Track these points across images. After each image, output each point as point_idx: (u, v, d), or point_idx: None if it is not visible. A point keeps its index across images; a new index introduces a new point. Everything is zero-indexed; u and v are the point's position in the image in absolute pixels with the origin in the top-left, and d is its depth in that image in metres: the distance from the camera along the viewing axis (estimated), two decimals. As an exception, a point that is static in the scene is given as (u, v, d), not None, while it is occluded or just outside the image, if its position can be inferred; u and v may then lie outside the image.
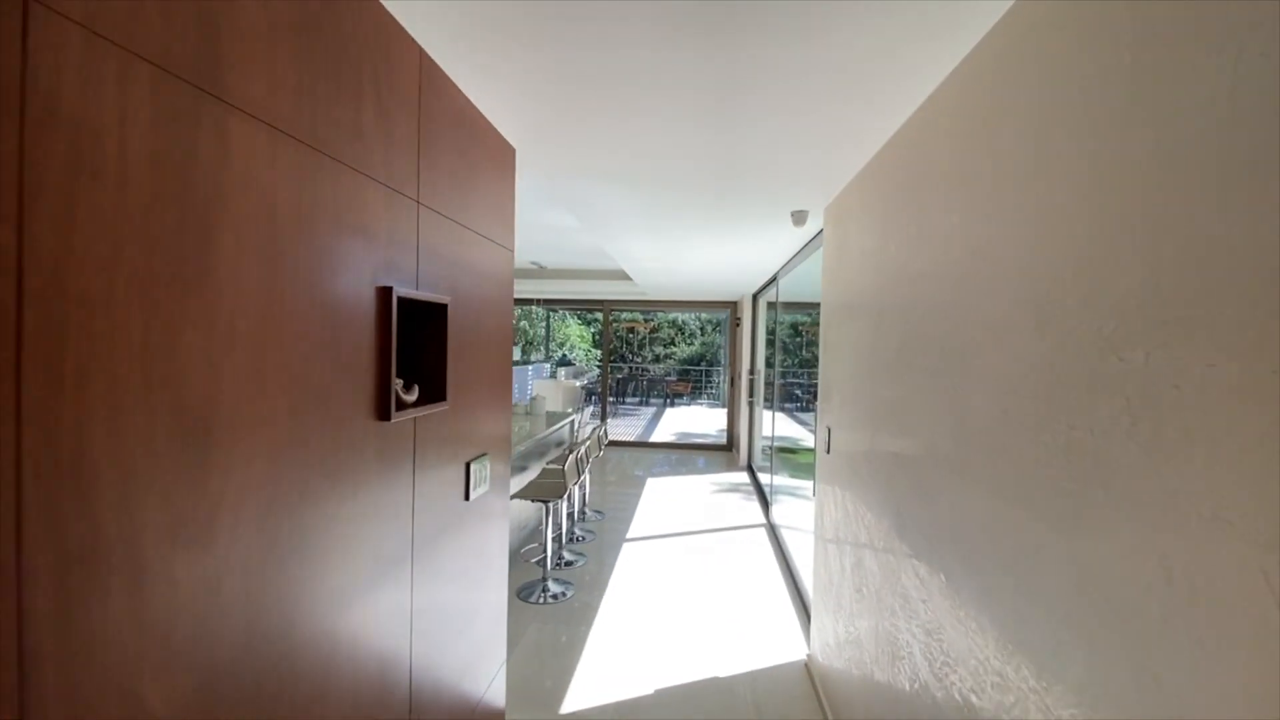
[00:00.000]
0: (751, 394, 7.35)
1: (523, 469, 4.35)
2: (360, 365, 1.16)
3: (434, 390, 1.48)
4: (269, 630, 0.92)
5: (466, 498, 1.73)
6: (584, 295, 8.53)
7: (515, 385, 12.33)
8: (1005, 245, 1.14)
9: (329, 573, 1.06)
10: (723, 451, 8.80)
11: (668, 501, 5.87)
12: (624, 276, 6.71)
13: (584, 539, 4.65)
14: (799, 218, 2.91)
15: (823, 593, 2.67)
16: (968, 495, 1.25)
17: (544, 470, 4.27)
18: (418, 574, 1.43)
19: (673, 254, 4.44)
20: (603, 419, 6.86)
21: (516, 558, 4.03)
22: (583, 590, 3.72)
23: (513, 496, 3.57)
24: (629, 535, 4.80)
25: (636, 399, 16.47)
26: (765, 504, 5.75)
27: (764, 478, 6.68)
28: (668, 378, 17.78)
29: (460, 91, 1.62)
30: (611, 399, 15.40)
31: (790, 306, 5.24)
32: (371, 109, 1.18)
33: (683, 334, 22.94)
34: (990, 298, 1.19)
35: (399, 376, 1.38)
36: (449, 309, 1.51)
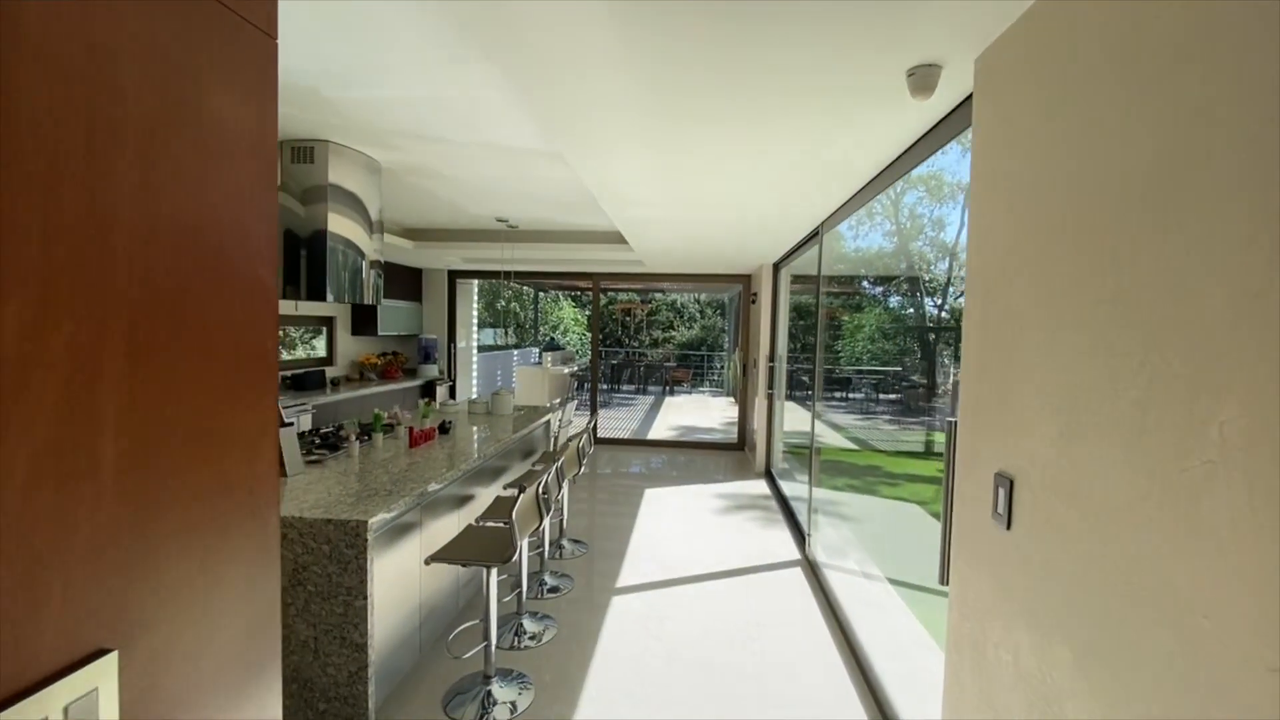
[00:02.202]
0: (771, 385, 6.05)
1: (465, 500, 3.05)
2: None
3: None
4: None
5: None
6: (569, 267, 7.17)
7: (498, 375, 11.00)
8: None
9: None
10: (733, 451, 7.53)
11: (671, 524, 4.59)
12: (616, 239, 5.37)
13: (558, 590, 3.37)
14: (924, 79, 1.58)
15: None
16: None
17: (495, 503, 2.97)
18: None
19: (686, 185, 3.09)
20: (592, 412, 5.58)
21: (439, 649, 2.74)
22: (547, 690, 2.45)
23: (429, 560, 2.28)
24: (619, 583, 3.52)
25: (633, 386, 15.19)
26: (798, 530, 4.48)
27: (789, 489, 5.41)
28: (666, 364, 16.50)
29: None
30: (605, 387, 14.15)
31: (813, 278, 3.92)
32: None
33: (681, 317, 21.63)
34: None
35: None
36: None
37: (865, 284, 19.50)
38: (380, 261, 3.43)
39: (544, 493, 2.65)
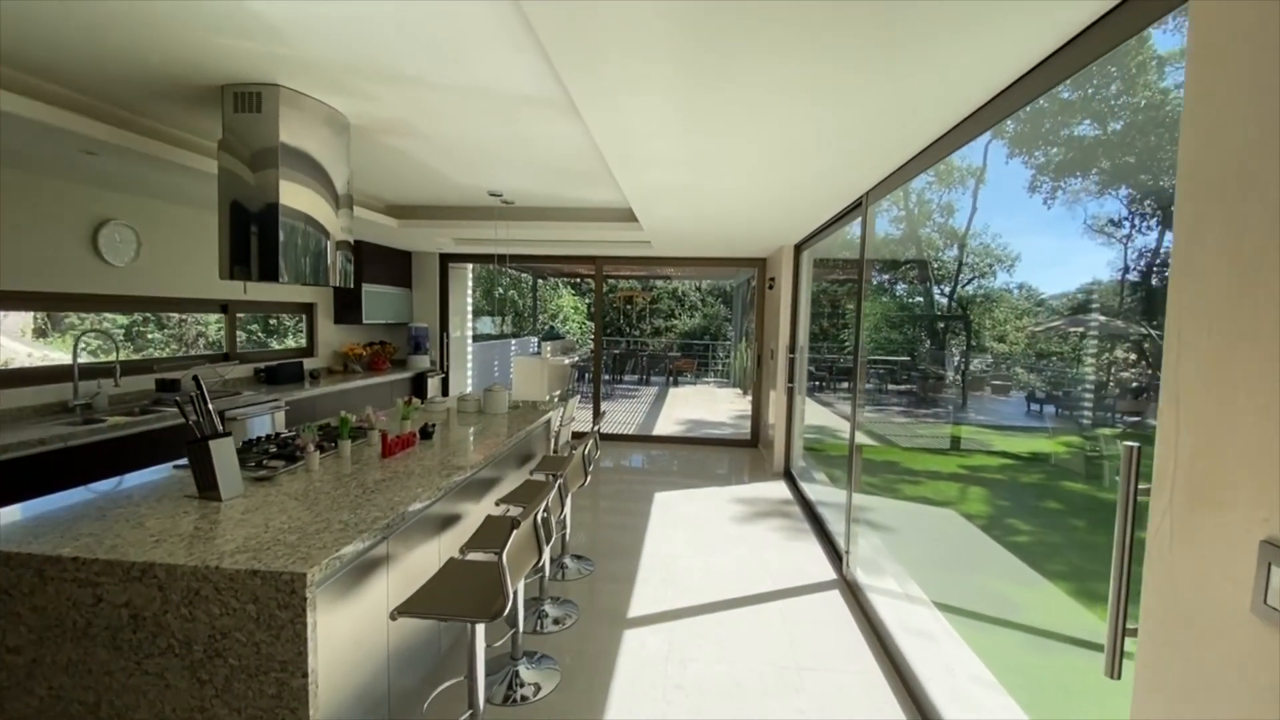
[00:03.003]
0: (791, 378, 5.55)
1: (449, 522, 2.54)
2: None
3: None
4: None
5: None
6: (570, 249, 6.63)
7: (495, 365, 10.49)
8: None
9: None
10: (747, 448, 7.04)
11: (686, 535, 4.10)
12: (622, 217, 4.84)
13: (560, 623, 2.88)
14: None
15: None
16: None
17: (485, 526, 2.46)
18: None
19: (715, 140, 2.57)
20: (595, 413, 5.06)
21: (416, 702, 2.25)
22: (548, 767, 1.96)
23: (397, 613, 1.77)
24: (632, 611, 3.03)
25: (635, 377, 14.69)
26: (829, 542, 3.99)
27: (813, 492, 4.93)
28: (669, 354, 16.01)
29: None
30: (606, 377, 13.65)
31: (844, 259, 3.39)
32: None
33: (682, 305, 21.11)
34: None
35: None
36: None
37: (873, 270, 18.95)
38: (350, 243, 2.89)
39: (545, 514, 2.14)
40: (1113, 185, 14.90)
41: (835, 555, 3.77)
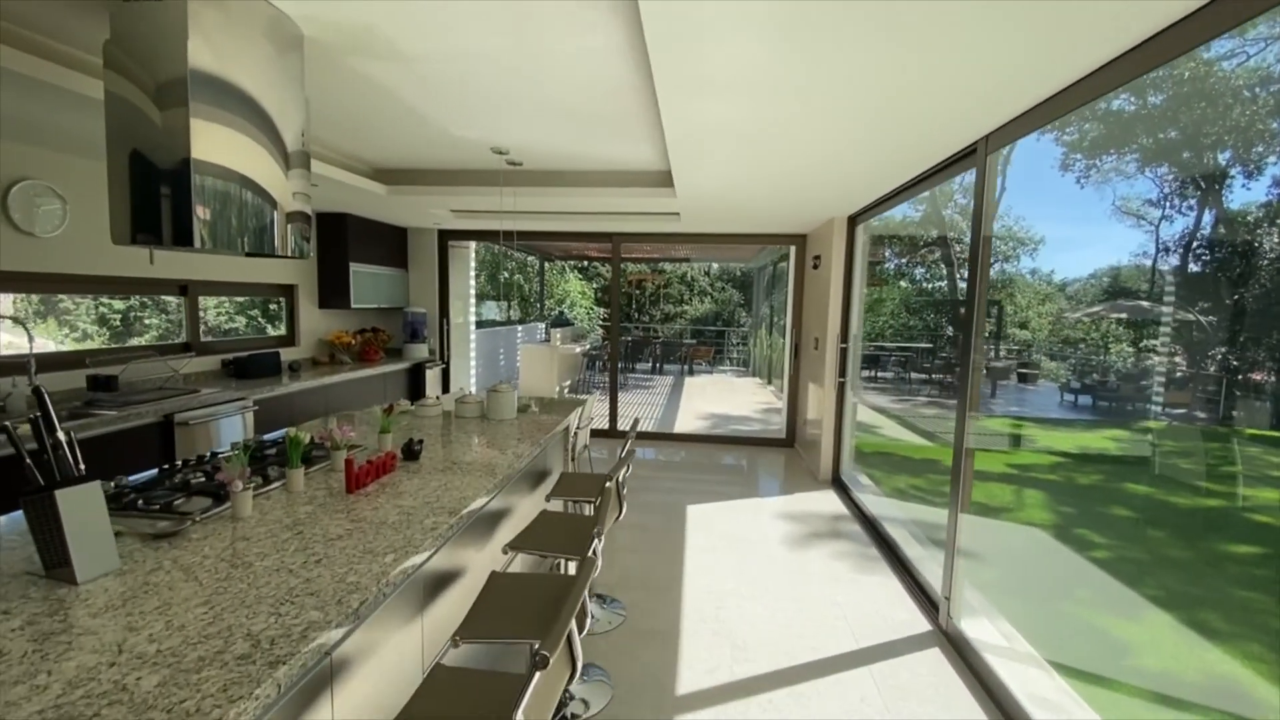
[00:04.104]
0: (843, 372, 4.80)
1: (435, 590, 1.82)
2: None
3: None
4: None
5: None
6: (584, 224, 5.85)
7: (501, 354, 9.77)
8: None
9: None
10: (781, 448, 6.31)
11: (732, 564, 3.39)
12: (652, 181, 4.08)
13: (589, 705, 2.17)
14: None
15: None
16: None
17: (489, 587, 1.74)
18: None
19: (806, 44, 1.80)
20: (612, 416, 4.32)
21: None
22: None
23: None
24: (681, 685, 2.32)
25: (648, 365, 13.98)
26: (905, 572, 3.27)
27: (873, 506, 4.20)
28: (684, 341, 15.29)
29: None
30: (619, 364, 12.94)
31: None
32: None
33: (692, 290, 20.32)
34: None
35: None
36: None
37: (888, 253, 18.13)
38: (307, 214, 2.14)
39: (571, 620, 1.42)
40: (1154, 162, 13.99)
41: (920, 593, 3.06)
